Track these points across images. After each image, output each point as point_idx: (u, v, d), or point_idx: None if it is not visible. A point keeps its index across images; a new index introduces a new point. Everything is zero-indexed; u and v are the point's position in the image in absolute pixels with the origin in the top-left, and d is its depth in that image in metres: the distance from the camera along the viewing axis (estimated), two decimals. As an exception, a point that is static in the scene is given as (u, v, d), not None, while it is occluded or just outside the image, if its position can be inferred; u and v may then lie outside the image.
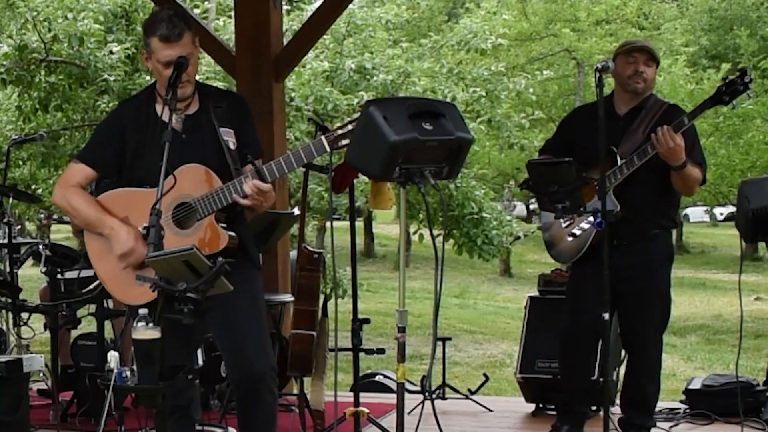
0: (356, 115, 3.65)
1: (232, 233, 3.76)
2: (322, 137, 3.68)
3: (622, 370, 5.37)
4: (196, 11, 10.93)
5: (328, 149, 3.66)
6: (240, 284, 3.76)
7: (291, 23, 11.43)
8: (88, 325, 5.77)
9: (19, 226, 15.05)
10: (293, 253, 5.46)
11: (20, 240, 6.23)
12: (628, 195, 4.69)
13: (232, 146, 3.79)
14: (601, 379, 5.13)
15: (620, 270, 4.49)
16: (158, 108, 3.79)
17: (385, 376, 6.68)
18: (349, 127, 3.67)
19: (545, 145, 5.24)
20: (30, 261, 6.15)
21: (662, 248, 4.90)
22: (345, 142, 3.67)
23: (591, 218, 4.68)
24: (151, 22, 3.79)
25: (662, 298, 4.89)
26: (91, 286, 5.37)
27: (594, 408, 5.56)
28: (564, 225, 4.93)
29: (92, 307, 5.52)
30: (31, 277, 9.73)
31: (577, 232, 4.85)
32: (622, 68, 4.77)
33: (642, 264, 4.71)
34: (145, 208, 3.46)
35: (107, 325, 5.60)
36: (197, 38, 3.84)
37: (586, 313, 4.76)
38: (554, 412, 5.37)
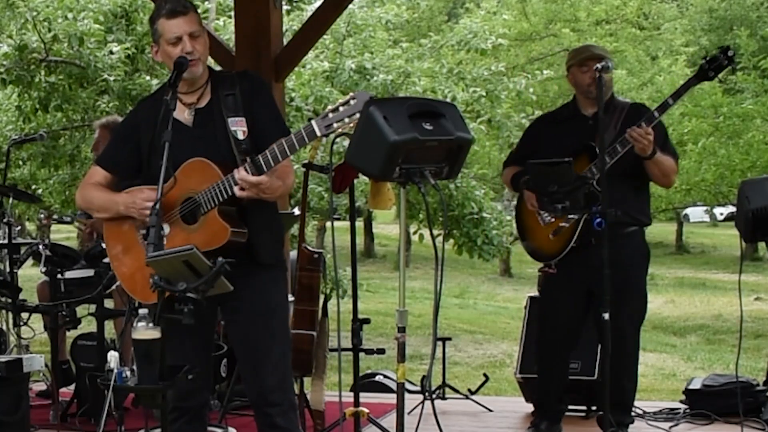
0: (347, 97, 3.53)
1: (238, 228, 3.64)
2: (313, 122, 3.52)
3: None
4: (196, 11, 10.91)
5: (318, 134, 3.50)
6: (254, 294, 3.74)
7: (291, 23, 11.43)
8: (88, 325, 5.77)
9: (19, 227, 15.03)
10: (293, 253, 5.45)
11: (20, 240, 6.23)
12: (603, 192, 4.71)
13: (241, 136, 3.69)
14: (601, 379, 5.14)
15: (597, 268, 4.43)
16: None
17: (385, 376, 6.68)
18: (341, 110, 3.50)
19: (510, 157, 5.26)
20: (30, 261, 6.15)
21: (637, 246, 4.95)
22: (337, 125, 3.51)
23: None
24: (157, 7, 3.77)
25: (639, 295, 4.95)
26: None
27: (594, 408, 5.57)
28: (544, 223, 4.95)
29: (92, 307, 5.52)
30: (31, 277, 9.72)
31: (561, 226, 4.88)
32: (580, 78, 4.86)
33: (618, 262, 4.54)
34: None
35: (107, 325, 5.61)
36: (205, 32, 3.79)
37: (562, 316, 4.98)
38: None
